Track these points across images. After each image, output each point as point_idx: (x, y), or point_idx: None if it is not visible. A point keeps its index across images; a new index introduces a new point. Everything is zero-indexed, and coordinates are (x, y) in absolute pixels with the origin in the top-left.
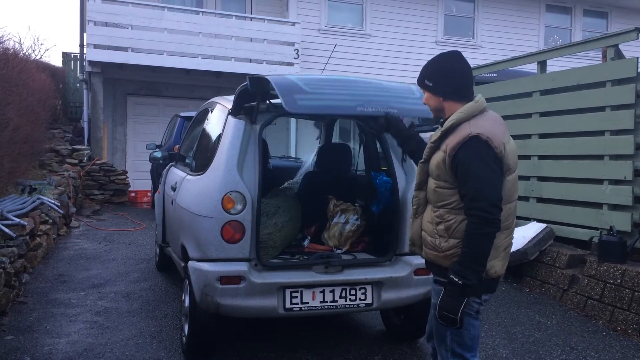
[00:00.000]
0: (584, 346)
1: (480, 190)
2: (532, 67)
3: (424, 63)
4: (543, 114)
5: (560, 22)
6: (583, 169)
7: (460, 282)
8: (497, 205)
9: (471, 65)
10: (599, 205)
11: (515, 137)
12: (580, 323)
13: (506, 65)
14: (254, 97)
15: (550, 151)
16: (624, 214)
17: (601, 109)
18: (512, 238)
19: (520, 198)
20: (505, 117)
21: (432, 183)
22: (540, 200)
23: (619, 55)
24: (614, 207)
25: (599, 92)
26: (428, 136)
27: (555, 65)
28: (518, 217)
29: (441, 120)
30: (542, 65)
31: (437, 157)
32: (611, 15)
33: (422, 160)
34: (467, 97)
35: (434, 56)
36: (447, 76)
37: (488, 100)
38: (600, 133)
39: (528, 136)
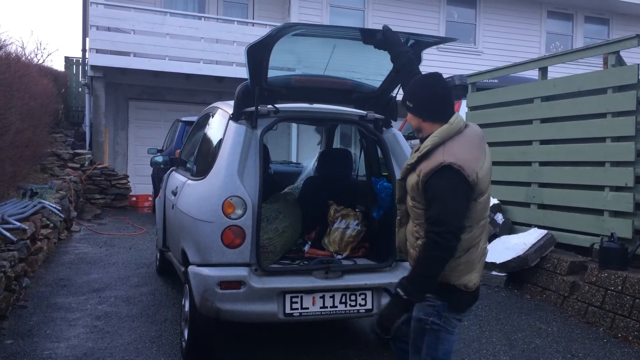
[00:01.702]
0: (585, 353)
1: (443, 216)
2: (534, 74)
3: (424, 69)
4: (544, 120)
5: (561, 28)
6: (584, 175)
7: (405, 297)
8: (455, 234)
9: (473, 72)
10: (600, 212)
11: (516, 143)
12: (581, 330)
13: (507, 72)
14: (253, 101)
15: (551, 157)
16: (625, 221)
17: (602, 115)
18: (485, 249)
19: (521, 204)
20: (506, 124)
21: (409, 200)
22: (541, 206)
23: (620, 62)
24: (615, 213)
25: (600, 98)
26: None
27: (556, 71)
28: (519, 224)
29: (420, 138)
30: (544, 71)
31: (412, 179)
32: (612, 22)
33: (400, 178)
34: (445, 118)
35: (416, 79)
36: (425, 98)
37: (489, 106)
38: (602, 140)
39: (529, 142)
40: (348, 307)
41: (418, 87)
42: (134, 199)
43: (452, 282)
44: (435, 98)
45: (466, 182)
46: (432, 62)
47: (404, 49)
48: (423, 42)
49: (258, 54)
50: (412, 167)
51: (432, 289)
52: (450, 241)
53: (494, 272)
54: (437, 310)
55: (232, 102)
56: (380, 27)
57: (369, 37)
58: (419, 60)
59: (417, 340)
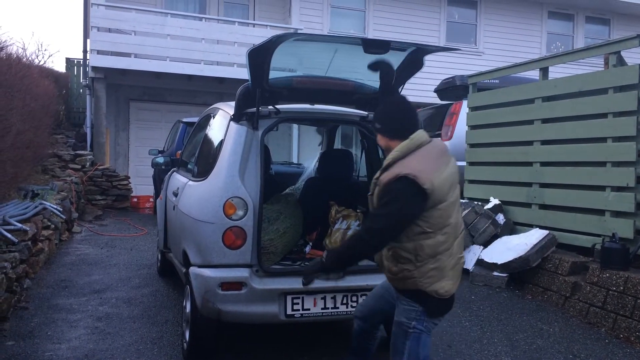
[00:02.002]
0: (587, 354)
1: (381, 218)
2: (535, 74)
3: (426, 69)
4: (545, 121)
5: (562, 28)
6: (585, 175)
7: (323, 260)
8: (383, 242)
9: (473, 72)
10: (601, 212)
11: (517, 143)
12: (582, 330)
13: (508, 72)
14: (255, 102)
15: (552, 158)
16: (626, 221)
17: (603, 115)
18: (459, 259)
19: (522, 205)
20: (507, 124)
21: None
22: (543, 206)
23: (621, 62)
24: (617, 213)
25: (601, 98)
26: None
27: (557, 72)
28: (520, 224)
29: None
30: (544, 71)
31: (377, 191)
32: (613, 22)
33: (369, 193)
34: (407, 136)
35: (383, 104)
36: (391, 119)
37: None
38: (603, 140)
39: (530, 143)
40: (349, 308)
41: (384, 111)
42: (135, 200)
43: (423, 288)
44: (399, 119)
45: (421, 190)
46: (433, 62)
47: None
48: (425, 49)
49: (259, 57)
50: (377, 182)
51: (342, 269)
52: (375, 245)
53: (495, 273)
54: (418, 315)
55: (233, 103)
56: (381, 29)
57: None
58: (421, 65)
59: (397, 342)
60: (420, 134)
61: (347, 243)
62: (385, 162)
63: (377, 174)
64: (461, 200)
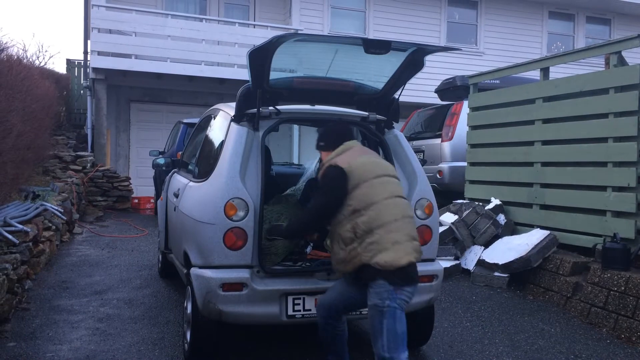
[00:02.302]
0: (588, 354)
1: (322, 198)
2: (535, 74)
3: (427, 70)
4: (546, 121)
5: (563, 29)
6: (586, 175)
7: (282, 228)
8: (323, 214)
9: (474, 72)
10: (602, 212)
11: (518, 144)
12: (584, 331)
13: (509, 72)
14: (255, 103)
15: (553, 158)
16: (627, 221)
17: (604, 115)
18: (397, 233)
19: (523, 205)
20: (508, 124)
21: None
22: (544, 207)
23: (621, 62)
24: (618, 214)
25: (602, 99)
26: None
27: (558, 72)
28: (521, 224)
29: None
30: (545, 72)
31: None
32: (614, 22)
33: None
34: (339, 146)
35: (325, 128)
36: (329, 137)
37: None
38: (604, 140)
39: (531, 143)
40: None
41: (325, 132)
42: (136, 201)
43: (365, 261)
44: (335, 136)
45: (341, 170)
46: (434, 62)
47: None
48: (426, 49)
49: (260, 58)
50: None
51: (292, 235)
52: (317, 212)
53: (496, 273)
54: (389, 293)
55: (233, 104)
56: (381, 29)
57: (371, 49)
58: (421, 65)
59: (375, 323)
60: (349, 143)
61: (299, 217)
62: (322, 166)
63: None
64: (462, 201)
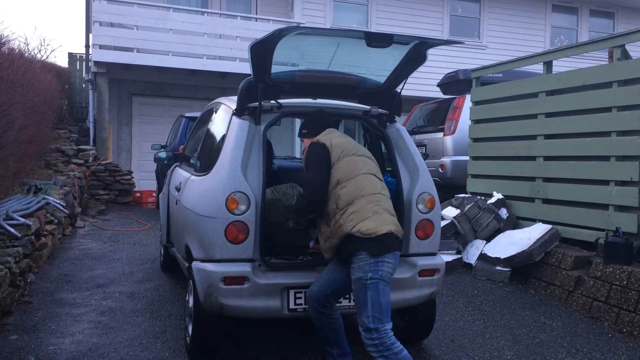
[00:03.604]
0: (590, 348)
1: (311, 174)
2: (538, 68)
3: (430, 63)
4: (549, 115)
5: (566, 22)
6: (589, 170)
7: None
8: (317, 191)
9: (477, 66)
10: (605, 207)
11: (520, 137)
12: (585, 325)
13: (512, 66)
14: (257, 97)
15: (556, 152)
16: (630, 215)
17: (608, 109)
18: (377, 205)
19: (526, 199)
20: (510, 118)
21: None
22: (546, 201)
23: (625, 55)
24: (620, 208)
25: (605, 92)
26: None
27: (561, 65)
28: (523, 218)
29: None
30: (548, 65)
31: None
32: (618, 16)
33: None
34: (320, 133)
35: (308, 117)
36: (311, 125)
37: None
38: (607, 134)
39: (534, 137)
40: (352, 303)
41: (307, 121)
42: (138, 194)
43: (348, 231)
44: (316, 125)
45: (323, 145)
46: (436, 56)
47: None
48: (428, 43)
49: (261, 51)
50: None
51: (297, 219)
52: (309, 200)
53: (498, 267)
54: (371, 266)
55: (235, 98)
56: (384, 23)
57: (373, 42)
58: (424, 58)
59: (360, 296)
60: (329, 130)
61: (296, 201)
62: (305, 148)
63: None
64: (464, 195)
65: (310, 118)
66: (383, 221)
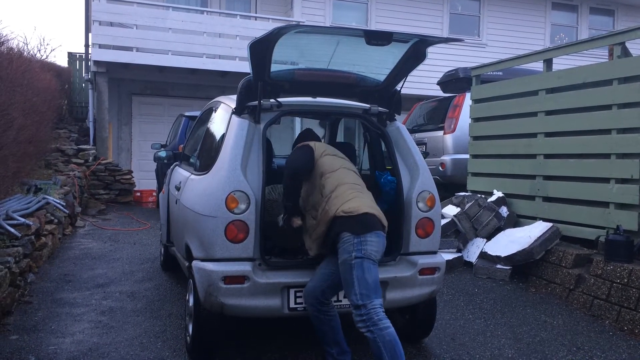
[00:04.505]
0: (591, 346)
1: (290, 158)
2: (538, 66)
3: (430, 62)
4: (549, 113)
5: (566, 20)
6: (589, 167)
7: (283, 203)
8: (294, 160)
9: (477, 64)
10: (605, 205)
11: (520, 135)
12: (586, 323)
13: (512, 64)
14: (256, 96)
15: (556, 150)
16: (630, 213)
17: (608, 107)
18: (358, 192)
19: (526, 197)
20: (510, 116)
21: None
22: (547, 199)
23: (625, 53)
24: (621, 206)
25: (605, 90)
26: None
27: (561, 63)
28: (524, 217)
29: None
30: (548, 63)
31: None
32: (618, 13)
33: None
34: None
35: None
36: (299, 141)
37: (494, 99)
38: (607, 132)
39: (534, 135)
40: (343, 302)
41: (298, 138)
42: (138, 194)
43: (332, 213)
44: (303, 139)
45: (307, 145)
46: (436, 54)
47: None
48: (427, 40)
49: (261, 50)
50: None
51: (291, 197)
52: (290, 165)
53: (498, 266)
54: (354, 246)
55: (235, 97)
56: (383, 21)
57: (373, 40)
58: (423, 56)
59: (347, 277)
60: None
61: (283, 185)
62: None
63: None
64: (465, 193)
65: (300, 135)
66: (363, 203)
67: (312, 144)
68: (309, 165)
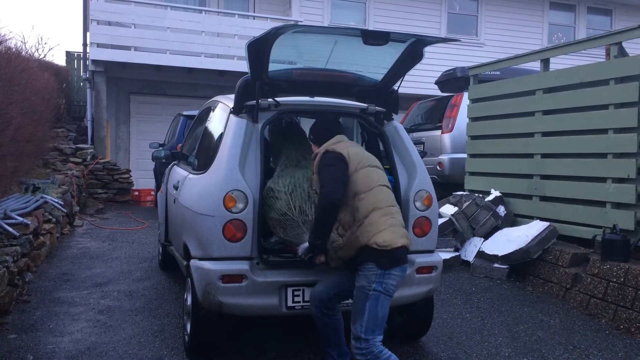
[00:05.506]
0: (587, 345)
1: (326, 185)
2: (536, 65)
3: (427, 61)
4: (546, 112)
5: (564, 19)
6: (586, 167)
7: (312, 243)
8: (333, 202)
9: (474, 64)
10: (602, 204)
11: (518, 135)
12: (583, 322)
13: (509, 63)
14: (254, 95)
15: (553, 149)
16: (627, 213)
17: (605, 107)
18: (392, 218)
19: (523, 196)
20: (508, 116)
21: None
22: (544, 198)
23: (622, 53)
24: (618, 205)
25: (602, 90)
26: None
27: (558, 63)
28: (521, 216)
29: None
30: (546, 63)
31: (314, 170)
32: (615, 13)
33: (312, 187)
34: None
35: (315, 124)
36: (319, 132)
37: (491, 98)
38: (604, 131)
39: (531, 134)
40: (350, 300)
41: (317, 127)
42: (137, 193)
43: (364, 242)
44: (323, 132)
45: (340, 155)
46: (434, 54)
47: None
48: (425, 40)
49: (259, 49)
50: (312, 168)
51: (321, 233)
52: (328, 197)
53: (496, 265)
54: (377, 277)
55: (233, 96)
56: (381, 21)
57: (370, 39)
58: (421, 56)
59: (358, 304)
60: (338, 137)
61: (316, 212)
62: (313, 156)
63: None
64: (462, 193)
65: (318, 124)
66: (398, 234)
67: (344, 152)
68: (346, 188)
